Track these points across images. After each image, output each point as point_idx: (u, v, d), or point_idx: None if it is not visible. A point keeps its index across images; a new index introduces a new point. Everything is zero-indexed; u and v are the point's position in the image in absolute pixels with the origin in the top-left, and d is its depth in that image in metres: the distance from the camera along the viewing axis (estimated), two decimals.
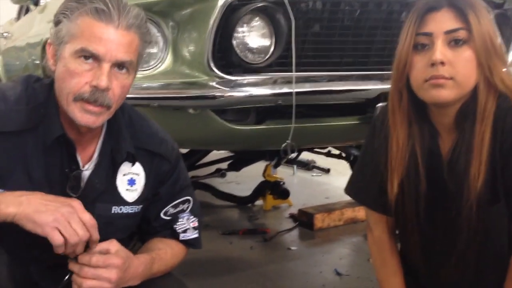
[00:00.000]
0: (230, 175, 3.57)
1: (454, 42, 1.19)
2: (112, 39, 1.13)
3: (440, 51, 1.18)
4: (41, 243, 1.09)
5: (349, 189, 1.48)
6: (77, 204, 1.13)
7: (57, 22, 1.18)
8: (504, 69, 1.26)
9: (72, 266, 1.14)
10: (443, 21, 1.20)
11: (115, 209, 1.28)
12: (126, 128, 1.29)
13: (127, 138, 1.28)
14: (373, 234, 1.45)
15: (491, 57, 1.20)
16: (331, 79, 2.10)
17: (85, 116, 1.16)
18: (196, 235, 1.40)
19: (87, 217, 1.12)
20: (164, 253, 1.32)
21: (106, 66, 1.13)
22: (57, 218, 1.08)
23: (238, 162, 3.41)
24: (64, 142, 1.20)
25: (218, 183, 3.82)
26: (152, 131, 1.35)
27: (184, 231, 1.37)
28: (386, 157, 1.33)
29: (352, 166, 3.39)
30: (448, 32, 1.19)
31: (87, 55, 1.13)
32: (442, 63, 1.18)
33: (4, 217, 1.08)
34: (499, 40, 1.35)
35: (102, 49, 1.13)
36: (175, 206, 1.37)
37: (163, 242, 1.35)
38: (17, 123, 1.18)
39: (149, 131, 1.34)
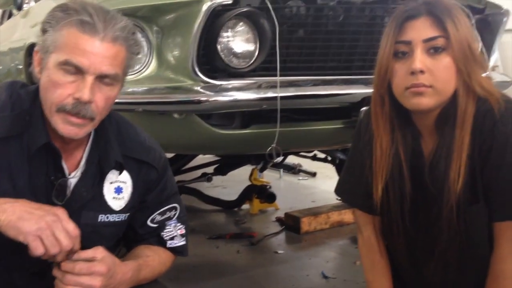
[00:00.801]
0: (216, 179, 3.56)
1: (433, 50, 1.21)
2: (97, 52, 1.12)
3: (420, 60, 1.20)
4: (24, 250, 1.08)
5: (338, 191, 1.50)
6: (61, 212, 1.12)
7: (43, 31, 1.17)
8: (485, 74, 1.29)
9: (56, 272, 1.13)
10: (421, 29, 1.21)
11: (102, 217, 1.27)
12: (114, 136, 1.29)
13: (115, 146, 1.28)
14: (362, 235, 1.47)
15: (470, 63, 1.22)
16: (316, 83, 2.12)
17: (68, 128, 1.16)
18: (183, 242, 1.39)
19: (71, 226, 1.11)
20: (152, 260, 1.32)
21: (89, 79, 1.12)
22: (41, 226, 1.07)
23: (224, 166, 3.40)
24: (50, 150, 1.20)
25: (204, 187, 3.82)
26: (140, 139, 1.35)
27: (171, 238, 1.37)
28: (370, 160, 1.34)
29: (338, 170, 3.41)
30: (427, 41, 1.21)
31: (70, 67, 1.12)
32: (422, 71, 1.20)
33: None
34: (478, 45, 1.38)
35: (86, 61, 1.12)
36: (162, 214, 1.37)
37: (151, 249, 1.35)
38: (1, 130, 1.17)
39: (137, 139, 1.34)
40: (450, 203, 1.24)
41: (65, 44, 1.13)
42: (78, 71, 1.12)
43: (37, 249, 1.07)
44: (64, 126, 1.15)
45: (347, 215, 3.24)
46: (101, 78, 1.14)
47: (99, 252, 1.16)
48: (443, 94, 1.22)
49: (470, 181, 1.24)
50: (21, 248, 1.08)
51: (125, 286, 1.22)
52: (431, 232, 1.32)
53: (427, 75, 1.20)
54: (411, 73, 1.21)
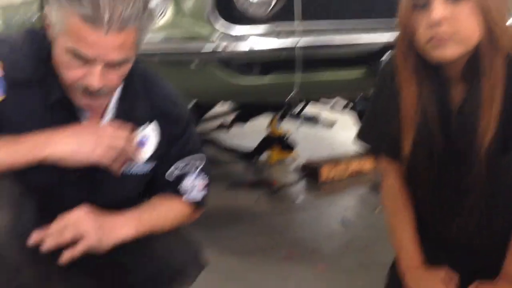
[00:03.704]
0: (235, 129, 3.57)
1: None
2: (102, 44, 1.08)
3: (438, 10, 1.15)
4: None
5: (360, 137, 1.48)
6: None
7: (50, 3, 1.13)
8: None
9: None
10: None
11: (126, 169, 1.28)
12: (140, 88, 1.28)
13: (143, 100, 1.28)
14: (386, 181, 1.46)
15: (494, 9, 1.17)
16: (336, 29, 2.07)
17: (85, 100, 1.16)
18: (203, 194, 1.39)
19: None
20: (160, 205, 1.33)
21: (98, 67, 1.10)
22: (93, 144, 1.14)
23: (243, 115, 3.40)
24: (68, 103, 1.20)
25: (224, 137, 3.83)
26: (165, 93, 1.34)
27: (190, 191, 1.37)
28: (396, 115, 1.32)
29: (358, 118, 3.37)
30: None
31: (77, 54, 1.09)
32: (441, 22, 1.15)
33: (40, 159, 1.12)
34: None
35: (92, 52, 1.08)
36: (183, 165, 1.37)
37: (163, 198, 1.35)
38: (26, 72, 1.17)
39: (162, 93, 1.33)
40: (480, 155, 1.22)
41: (70, 31, 1.08)
42: (86, 59, 1.10)
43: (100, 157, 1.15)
44: (81, 99, 1.16)
45: (367, 165, 3.23)
46: (110, 64, 1.12)
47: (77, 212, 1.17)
48: (467, 43, 1.17)
49: (501, 132, 1.21)
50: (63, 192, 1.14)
51: (132, 229, 1.23)
52: (459, 186, 1.30)
53: (448, 24, 1.15)
54: (430, 25, 1.16)
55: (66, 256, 1.14)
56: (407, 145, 1.31)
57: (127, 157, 1.21)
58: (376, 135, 1.44)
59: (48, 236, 1.12)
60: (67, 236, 1.14)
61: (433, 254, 1.44)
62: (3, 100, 1.15)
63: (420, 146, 1.31)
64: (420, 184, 1.35)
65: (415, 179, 1.36)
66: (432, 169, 1.32)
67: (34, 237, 1.12)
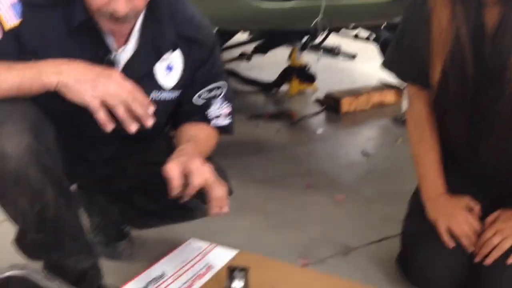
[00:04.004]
0: (255, 60, 3.52)
1: None
2: None
3: None
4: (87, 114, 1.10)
5: (387, 64, 1.45)
6: (115, 73, 1.13)
7: None
8: None
9: None
10: None
11: (154, 95, 1.27)
12: (167, 13, 1.25)
13: (169, 25, 1.25)
14: (412, 108, 1.44)
15: None
16: None
17: (110, 26, 1.13)
18: (229, 121, 1.40)
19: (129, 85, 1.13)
20: (201, 133, 1.34)
21: None
22: (96, 85, 1.10)
23: (263, 46, 3.34)
24: (92, 27, 1.17)
25: (243, 68, 3.78)
26: (190, 16, 1.31)
27: (216, 117, 1.37)
28: (427, 40, 1.27)
29: (381, 49, 3.29)
30: None
31: None
32: None
33: (47, 86, 1.10)
34: None
35: None
36: (209, 91, 1.36)
37: (196, 126, 1.36)
38: None
39: (187, 16, 1.30)
40: None
41: None
42: None
43: (98, 113, 1.10)
44: (105, 24, 1.13)
45: (389, 96, 3.19)
46: None
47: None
48: None
49: None
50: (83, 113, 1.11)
51: None
52: (490, 111, 1.27)
53: None
54: None
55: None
56: (437, 71, 1.28)
57: (137, 119, 1.15)
58: (404, 62, 1.40)
59: None
60: None
61: (456, 183, 1.44)
62: (20, 24, 1.13)
63: (451, 72, 1.27)
64: (450, 110, 1.33)
65: (444, 105, 1.34)
66: (462, 95, 1.29)
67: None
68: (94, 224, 1.61)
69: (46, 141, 1.12)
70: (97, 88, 1.10)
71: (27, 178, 1.08)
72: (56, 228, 1.17)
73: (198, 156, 1.23)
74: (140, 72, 1.24)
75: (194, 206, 1.32)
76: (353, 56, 4.60)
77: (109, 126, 1.11)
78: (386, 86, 3.26)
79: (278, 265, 1.53)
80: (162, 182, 1.18)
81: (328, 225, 1.84)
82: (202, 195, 1.21)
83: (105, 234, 1.59)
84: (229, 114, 1.40)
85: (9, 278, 1.02)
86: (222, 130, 1.40)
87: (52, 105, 1.14)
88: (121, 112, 1.11)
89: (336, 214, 1.93)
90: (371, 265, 1.59)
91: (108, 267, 1.35)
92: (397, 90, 3.23)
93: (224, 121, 1.39)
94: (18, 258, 1.27)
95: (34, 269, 1.11)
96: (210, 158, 1.36)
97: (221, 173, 1.41)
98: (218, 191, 1.20)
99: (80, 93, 1.09)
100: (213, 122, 1.37)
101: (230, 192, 1.43)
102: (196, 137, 1.32)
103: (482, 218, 1.39)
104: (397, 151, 2.48)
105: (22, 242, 1.24)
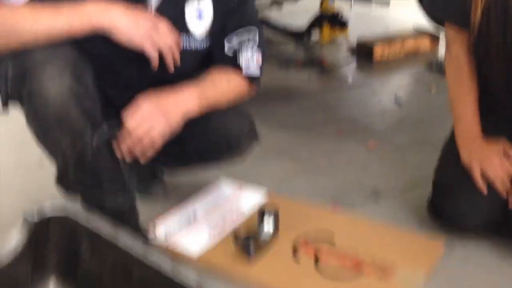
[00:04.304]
0: (287, 7, 3.45)
1: None
2: None
3: None
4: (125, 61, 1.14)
5: (425, 4, 1.41)
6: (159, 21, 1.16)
7: None
8: None
9: None
10: None
11: (184, 42, 1.28)
12: None
13: None
14: (450, 51, 1.40)
15: None
16: None
17: None
18: (258, 73, 1.38)
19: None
20: (219, 79, 1.32)
21: None
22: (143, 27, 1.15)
23: None
24: None
25: (274, 16, 3.72)
26: None
27: (248, 65, 1.35)
28: None
29: None
30: None
31: None
32: None
33: (96, 29, 1.12)
34: None
35: None
36: (241, 34, 1.34)
37: (222, 72, 1.34)
38: None
39: None
40: None
41: None
42: None
43: (150, 52, 1.17)
44: None
45: (424, 43, 3.11)
46: None
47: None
48: None
49: None
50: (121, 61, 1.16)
51: (195, 105, 1.24)
52: None
53: None
54: None
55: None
56: (478, 12, 1.23)
57: (169, 60, 1.21)
58: (442, 2, 1.36)
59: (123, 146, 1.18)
60: (139, 137, 1.17)
61: (492, 128, 1.41)
62: None
63: (493, 11, 1.23)
64: (493, 54, 1.29)
65: (487, 48, 1.30)
66: (504, 36, 1.25)
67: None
68: (127, 164, 1.64)
69: (86, 83, 1.16)
70: (147, 31, 1.15)
71: (69, 120, 1.12)
72: (95, 168, 1.21)
73: (193, 87, 1.26)
74: (170, 13, 1.24)
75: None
76: (387, 2, 4.49)
77: (156, 65, 1.19)
78: (421, 33, 3.17)
79: (308, 208, 1.55)
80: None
81: (359, 172, 1.84)
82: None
83: (139, 174, 1.62)
84: (259, 65, 1.38)
85: (51, 218, 1.05)
86: (251, 80, 1.38)
87: (91, 48, 1.16)
88: (168, 54, 1.19)
89: (367, 160, 1.93)
90: (402, 211, 1.59)
91: (141, 207, 1.38)
92: (432, 37, 3.14)
93: (255, 70, 1.37)
94: (59, 198, 1.31)
95: (74, 210, 1.15)
96: (235, 104, 1.36)
97: (249, 119, 1.41)
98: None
99: (132, 35, 1.14)
100: (244, 70, 1.35)
101: (258, 138, 1.44)
102: (214, 81, 1.31)
103: None
104: (431, 100, 2.44)
105: (63, 180, 1.28)
